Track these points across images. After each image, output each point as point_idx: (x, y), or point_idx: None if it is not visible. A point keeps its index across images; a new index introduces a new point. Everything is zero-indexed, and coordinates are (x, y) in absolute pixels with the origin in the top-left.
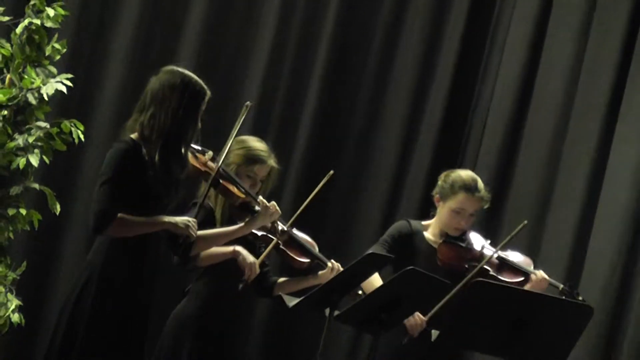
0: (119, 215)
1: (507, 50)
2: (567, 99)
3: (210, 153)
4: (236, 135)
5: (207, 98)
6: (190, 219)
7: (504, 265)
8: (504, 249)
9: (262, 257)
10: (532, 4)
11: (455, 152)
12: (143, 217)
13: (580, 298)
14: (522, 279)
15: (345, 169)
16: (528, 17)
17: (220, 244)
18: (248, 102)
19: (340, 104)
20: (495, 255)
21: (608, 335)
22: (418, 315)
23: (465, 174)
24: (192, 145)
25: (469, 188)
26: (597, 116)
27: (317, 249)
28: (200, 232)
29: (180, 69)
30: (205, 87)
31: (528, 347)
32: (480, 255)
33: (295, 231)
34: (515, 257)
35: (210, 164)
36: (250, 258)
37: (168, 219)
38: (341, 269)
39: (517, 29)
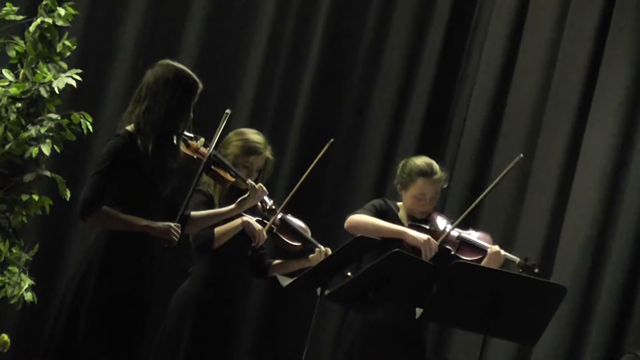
0: (104, 208)
1: (488, 42)
2: (543, 90)
3: (202, 140)
4: (219, 139)
5: (199, 91)
6: (172, 224)
7: (464, 244)
8: (466, 227)
9: (267, 227)
10: None
11: (438, 142)
12: (129, 216)
13: (536, 270)
14: (480, 256)
15: (336, 158)
16: (508, 8)
17: (211, 224)
18: (228, 110)
19: (331, 99)
20: (457, 235)
21: (579, 314)
22: (432, 241)
23: (420, 160)
24: (185, 132)
25: (426, 173)
26: (570, 108)
27: (310, 233)
28: (194, 213)
29: (174, 63)
30: (197, 80)
31: (505, 325)
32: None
33: (289, 217)
34: (474, 235)
35: (202, 150)
36: (258, 226)
37: (149, 222)
38: (330, 252)
39: (498, 20)
